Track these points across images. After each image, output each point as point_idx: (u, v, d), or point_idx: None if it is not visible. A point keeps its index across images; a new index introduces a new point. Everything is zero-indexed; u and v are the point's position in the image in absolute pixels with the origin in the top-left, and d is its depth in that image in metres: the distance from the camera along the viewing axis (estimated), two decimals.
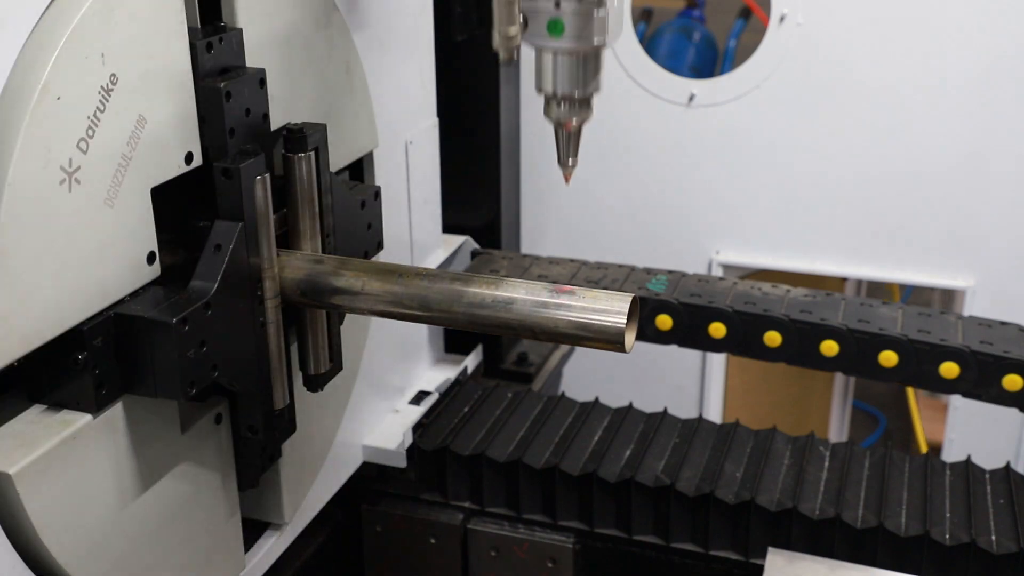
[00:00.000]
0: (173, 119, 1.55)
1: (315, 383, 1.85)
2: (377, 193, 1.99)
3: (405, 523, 2.37)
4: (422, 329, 2.57)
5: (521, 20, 1.47)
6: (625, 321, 1.46)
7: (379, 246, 2.02)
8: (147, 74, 1.48)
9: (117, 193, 1.46)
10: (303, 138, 1.69)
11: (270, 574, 2.00)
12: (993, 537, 2.05)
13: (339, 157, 1.97)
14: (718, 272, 3.55)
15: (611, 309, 1.48)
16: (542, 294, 1.52)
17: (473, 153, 2.79)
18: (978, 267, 3.33)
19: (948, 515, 2.12)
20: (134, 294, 1.52)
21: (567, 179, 1.57)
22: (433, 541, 2.35)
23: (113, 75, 1.42)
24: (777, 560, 2.02)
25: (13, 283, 1.32)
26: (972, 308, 3.32)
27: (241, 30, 1.65)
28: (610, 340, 1.48)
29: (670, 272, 2.53)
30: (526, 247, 3.37)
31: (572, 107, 1.56)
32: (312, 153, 1.71)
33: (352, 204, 1.91)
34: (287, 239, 1.75)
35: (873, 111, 3.26)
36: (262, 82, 1.67)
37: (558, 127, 1.59)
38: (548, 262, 2.68)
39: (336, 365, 1.88)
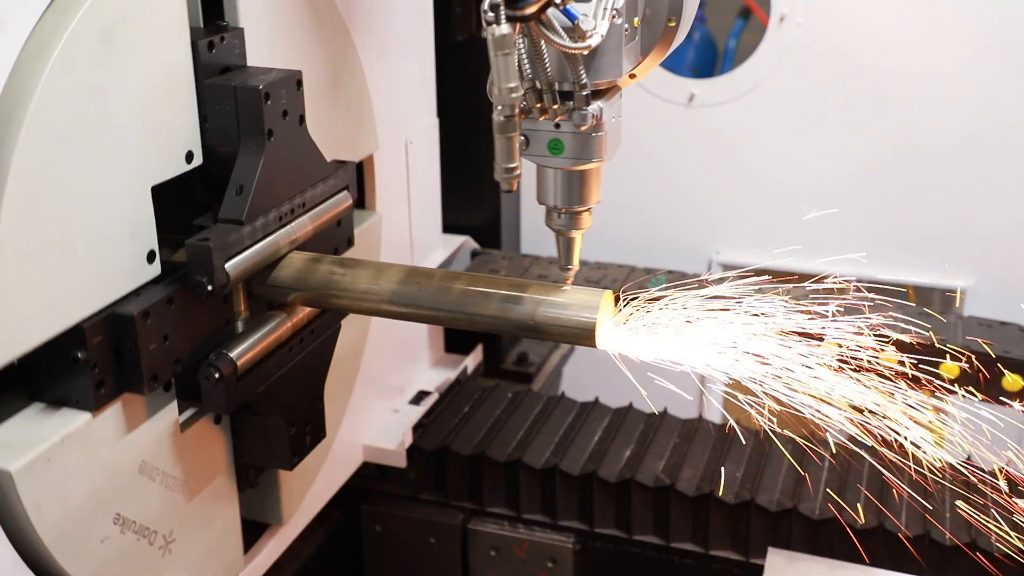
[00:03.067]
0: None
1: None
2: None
3: (405, 523, 2.37)
4: (422, 329, 2.57)
5: (523, 138, 1.54)
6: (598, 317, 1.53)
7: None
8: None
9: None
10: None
11: (270, 574, 2.00)
12: (993, 537, 2.05)
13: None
14: (718, 272, 3.55)
15: (585, 304, 1.55)
16: (512, 289, 1.59)
17: (473, 153, 2.79)
18: (978, 267, 3.32)
19: (948, 515, 2.12)
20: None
21: (568, 282, 1.63)
22: (433, 541, 2.35)
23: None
24: (777, 560, 2.02)
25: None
26: (972, 308, 3.32)
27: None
28: (582, 337, 1.55)
29: (670, 272, 2.53)
30: (526, 247, 3.37)
31: (572, 219, 1.63)
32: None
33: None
34: None
35: (873, 111, 3.26)
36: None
37: (559, 236, 1.65)
38: (548, 262, 2.68)
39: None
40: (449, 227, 2.66)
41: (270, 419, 1.76)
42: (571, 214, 1.62)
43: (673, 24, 1.56)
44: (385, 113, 2.14)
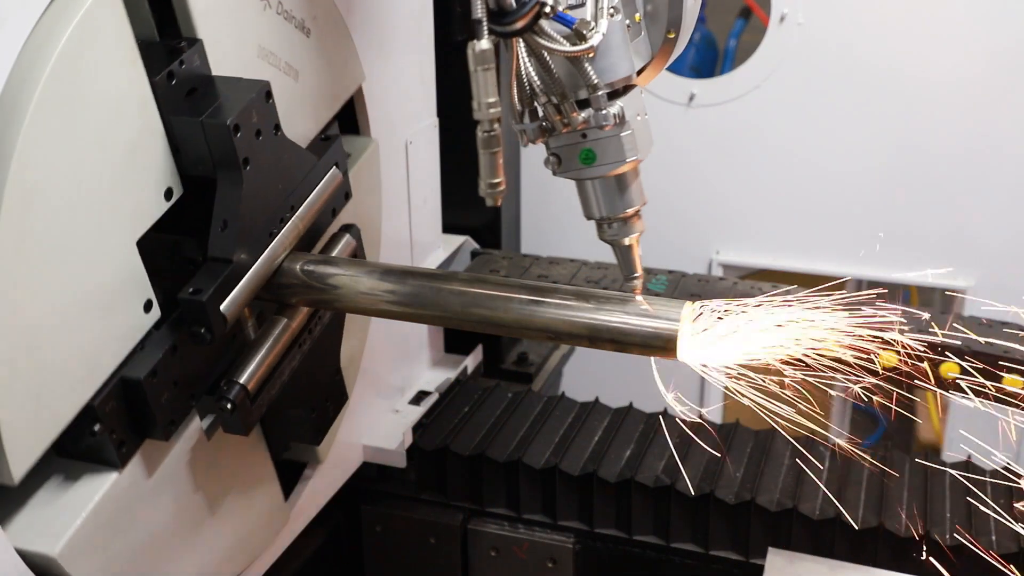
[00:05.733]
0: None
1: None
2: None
3: (405, 523, 2.37)
4: (422, 329, 2.57)
5: (554, 159, 1.52)
6: (679, 328, 1.45)
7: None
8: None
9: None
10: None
11: (270, 574, 2.00)
12: (993, 537, 2.05)
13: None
14: (718, 272, 3.55)
15: (664, 315, 1.47)
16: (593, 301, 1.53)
17: (473, 153, 2.78)
18: (979, 267, 3.32)
19: (948, 515, 2.11)
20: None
21: (636, 292, 1.58)
22: (433, 541, 2.35)
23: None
24: (777, 560, 2.01)
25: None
26: (973, 308, 3.31)
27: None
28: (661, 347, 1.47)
29: (670, 272, 2.53)
30: (526, 247, 3.37)
31: (623, 226, 1.59)
32: None
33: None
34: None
35: (873, 111, 3.26)
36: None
37: (615, 247, 1.62)
38: (548, 262, 2.67)
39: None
40: (449, 227, 2.65)
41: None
42: (621, 221, 1.58)
43: (672, 36, 1.55)
44: (385, 113, 2.14)
